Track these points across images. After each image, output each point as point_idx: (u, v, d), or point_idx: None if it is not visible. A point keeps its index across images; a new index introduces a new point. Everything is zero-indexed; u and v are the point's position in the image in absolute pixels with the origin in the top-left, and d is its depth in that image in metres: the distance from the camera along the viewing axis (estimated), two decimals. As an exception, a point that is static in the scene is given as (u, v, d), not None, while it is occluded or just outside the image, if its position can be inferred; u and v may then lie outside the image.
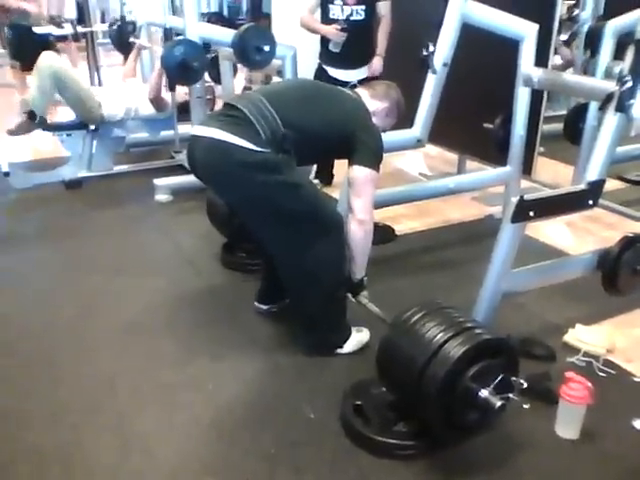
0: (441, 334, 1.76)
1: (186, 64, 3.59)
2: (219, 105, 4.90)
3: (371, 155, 2.20)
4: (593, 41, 5.19)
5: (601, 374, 2.25)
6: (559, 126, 4.43)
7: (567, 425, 1.94)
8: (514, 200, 2.13)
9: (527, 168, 3.73)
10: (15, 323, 2.58)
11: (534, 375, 2.14)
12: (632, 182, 4.34)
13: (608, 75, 3.69)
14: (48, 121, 4.02)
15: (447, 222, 3.73)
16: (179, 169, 4.23)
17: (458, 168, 4.53)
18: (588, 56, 5.42)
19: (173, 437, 1.94)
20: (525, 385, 1.75)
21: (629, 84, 2.18)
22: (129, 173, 4.39)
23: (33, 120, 3.85)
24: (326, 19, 3.73)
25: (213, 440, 1.93)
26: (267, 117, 2.09)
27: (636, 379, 2.24)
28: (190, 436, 1.95)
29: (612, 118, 2.27)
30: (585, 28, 5.32)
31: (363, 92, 2.42)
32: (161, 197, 3.96)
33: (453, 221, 3.75)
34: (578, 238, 3.50)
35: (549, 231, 3.50)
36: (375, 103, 2.41)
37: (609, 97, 2.27)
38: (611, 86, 2.32)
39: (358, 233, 2.18)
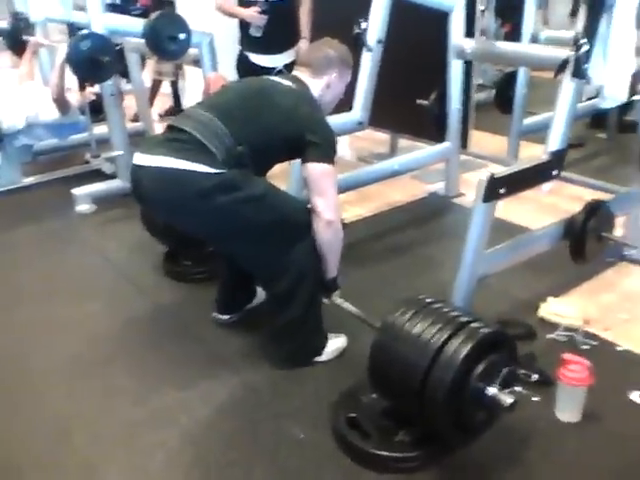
0: (439, 334, 1.63)
1: (95, 59, 3.25)
2: (128, 100, 4.54)
3: (322, 149, 2.03)
4: (503, 9, 5.27)
5: (584, 347, 2.20)
6: (481, 95, 4.46)
7: (568, 409, 1.87)
8: (484, 179, 2.01)
9: (463, 142, 3.69)
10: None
11: (520, 357, 2.06)
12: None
13: (534, 41, 3.68)
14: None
15: (391, 205, 3.62)
16: (97, 175, 3.88)
17: (391, 148, 4.44)
18: (499, 24, 5.49)
19: (152, 485, 1.72)
20: (536, 378, 1.65)
21: (585, 48, 2.11)
22: (41, 184, 3.97)
23: None
24: (244, 1, 3.49)
25: (198, 482, 1.72)
26: (221, 137, 1.90)
27: (619, 348, 2.21)
28: (171, 480, 1.73)
29: (569, 85, 2.21)
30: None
31: (303, 74, 2.22)
32: (82, 208, 3.61)
33: (397, 203, 3.65)
34: (519, 206, 3.43)
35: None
36: (322, 80, 2.20)
37: (564, 63, 2.20)
38: (562, 52, 2.26)
39: (327, 234, 2.02)
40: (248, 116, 2.01)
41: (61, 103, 3.81)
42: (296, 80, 2.18)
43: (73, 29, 3.68)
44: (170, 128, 2.03)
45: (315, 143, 2.01)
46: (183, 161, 1.87)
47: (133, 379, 2.14)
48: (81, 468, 1.77)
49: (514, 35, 4.13)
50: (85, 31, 3.31)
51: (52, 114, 3.85)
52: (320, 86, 2.20)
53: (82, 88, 3.58)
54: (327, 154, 2.04)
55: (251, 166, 1.97)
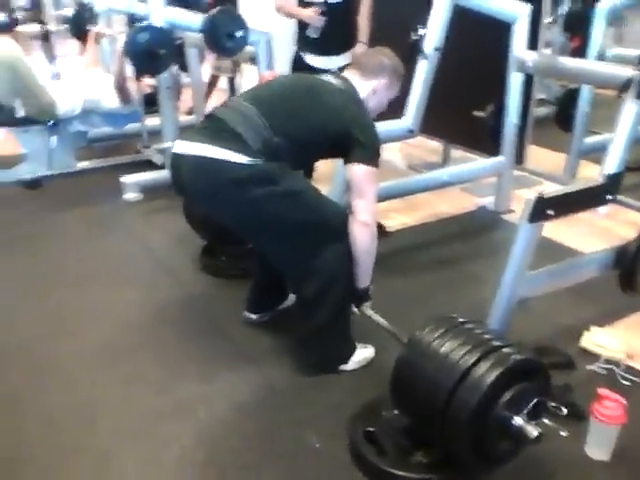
0: (467, 355, 1.56)
1: (152, 51, 3.30)
2: (185, 95, 4.61)
3: (368, 151, 1.99)
4: (572, 23, 5.08)
5: (624, 382, 2.09)
6: (542, 110, 4.31)
7: (599, 446, 1.77)
8: (531, 198, 1.92)
9: (518, 157, 3.57)
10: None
11: (555, 388, 1.96)
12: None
13: (601, 58, 3.53)
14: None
15: (438, 216, 3.54)
16: (147, 165, 3.95)
17: (443, 158, 4.35)
18: (567, 38, 5.30)
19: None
20: (565, 412, 1.56)
21: (651, 68, 2.00)
22: (93, 170, 4.07)
23: None
24: (303, 2, 3.47)
25: (210, 481, 1.70)
26: (258, 127, 1.89)
27: (662, 387, 2.08)
28: (185, 478, 1.71)
29: (631, 106, 2.10)
30: (565, 9, 5.20)
31: (352, 75, 2.18)
32: (130, 196, 3.68)
33: (444, 215, 3.56)
34: (572, 227, 3.28)
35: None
36: (370, 83, 2.17)
37: (627, 83, 2.09)
38: (627, 71, 2.15)
39: (363, 237, 1.97)
40: (293, 112, 1.99)
41: (123, 92, 3.86)
42: (344, 80, 2.15)
43: (133, 20, 3.73)
44: (209, 117, 2.03)
45: (361, 143, 1.98)
46: (218, 149, 1.87)
47: (159, 370, 2.15)
48: (98, 457, 1.78)
49: (582, 50, 3.98)
50: (144, 23, 3.36)
51: (113, 102, 3.92)
52: (367, 89, 2.16)
53: (138, 79, 3.63)
54: (372, 156, 2.00)
55: (289, 161, 1.94)
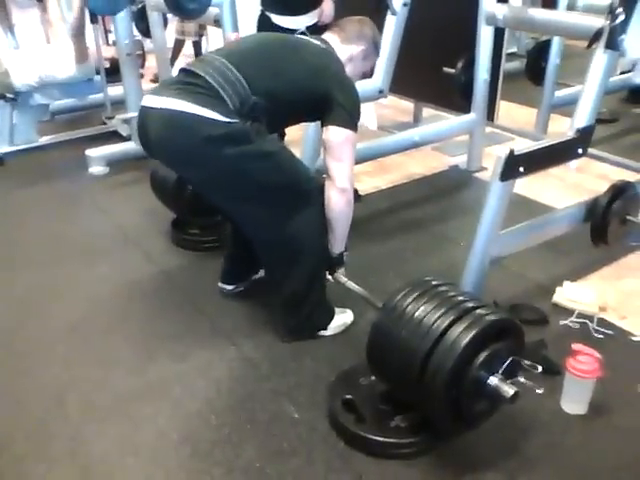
0: (442, 318, 1.54)
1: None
2: (150, 61, 4.47)
3: (347, 114, 1.94)
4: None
5: (598, 335, 2.10)
6: (513, 65, 4.26)
7: (575, 401, 1.78)
8: (502, 156, 1.89)
9: (490, 113, 3.53)
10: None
11: (529, 344, 1.96)
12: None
13: (571, 8, 3.48)
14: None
15: (410, 177, 3.51)
16: (113, 136, 3.84)
17: (414, 117, 4.30)
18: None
19: (140, 459, 1.67)
20: (540, 370, 1.56)
21: (621, 17, 1.95)
22: (57, 144, 3.94)
23: None
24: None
25: (187, 458, 1.67)
26: (234, 84, 1.80)
27: (634, 338, 2.10)
28: (160, 456, 1.68)
29: (601, 56, 2.06)
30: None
31: (332, 38, 2.13)
32: (95, 170, 3.58)
33: (416, 176, 3.53)
34: (543, 182, 3.25)
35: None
36: (349, 48, 2.12)
37: (598, 33, 2.05)
38: (598, 21, 2.10)
39: (339, 203, 1.93)
40: (273, 69, 1.92)
41: (79, 43, 3.67)
42: (324, 42, 2.11)
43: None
44: (183, 71, 1.93)
45: (342, 105, 1.93)
46: (193, 105, 1.77)
47: (132, 348, 2.11)
48: (71, 440, 1.74)
49: (554, 1, 3.91)
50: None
51: (68, 71, 3.77)
52: (345, 55, 2.11)
53: (93, 20, 3.47)
54: (352, 119, 1.96)
55: (265, 121, 1.87)
